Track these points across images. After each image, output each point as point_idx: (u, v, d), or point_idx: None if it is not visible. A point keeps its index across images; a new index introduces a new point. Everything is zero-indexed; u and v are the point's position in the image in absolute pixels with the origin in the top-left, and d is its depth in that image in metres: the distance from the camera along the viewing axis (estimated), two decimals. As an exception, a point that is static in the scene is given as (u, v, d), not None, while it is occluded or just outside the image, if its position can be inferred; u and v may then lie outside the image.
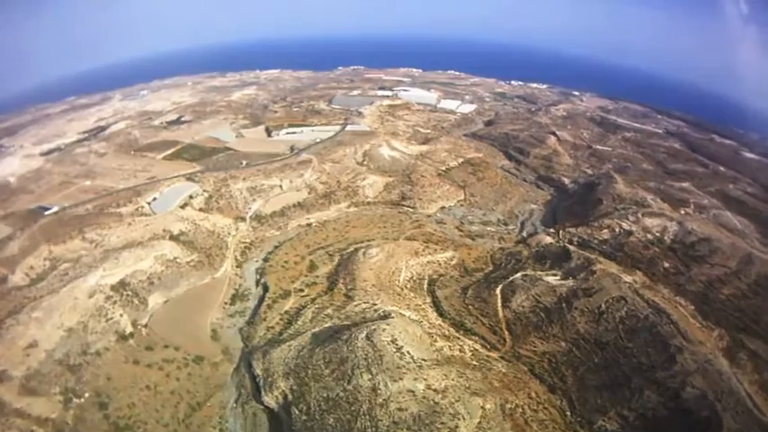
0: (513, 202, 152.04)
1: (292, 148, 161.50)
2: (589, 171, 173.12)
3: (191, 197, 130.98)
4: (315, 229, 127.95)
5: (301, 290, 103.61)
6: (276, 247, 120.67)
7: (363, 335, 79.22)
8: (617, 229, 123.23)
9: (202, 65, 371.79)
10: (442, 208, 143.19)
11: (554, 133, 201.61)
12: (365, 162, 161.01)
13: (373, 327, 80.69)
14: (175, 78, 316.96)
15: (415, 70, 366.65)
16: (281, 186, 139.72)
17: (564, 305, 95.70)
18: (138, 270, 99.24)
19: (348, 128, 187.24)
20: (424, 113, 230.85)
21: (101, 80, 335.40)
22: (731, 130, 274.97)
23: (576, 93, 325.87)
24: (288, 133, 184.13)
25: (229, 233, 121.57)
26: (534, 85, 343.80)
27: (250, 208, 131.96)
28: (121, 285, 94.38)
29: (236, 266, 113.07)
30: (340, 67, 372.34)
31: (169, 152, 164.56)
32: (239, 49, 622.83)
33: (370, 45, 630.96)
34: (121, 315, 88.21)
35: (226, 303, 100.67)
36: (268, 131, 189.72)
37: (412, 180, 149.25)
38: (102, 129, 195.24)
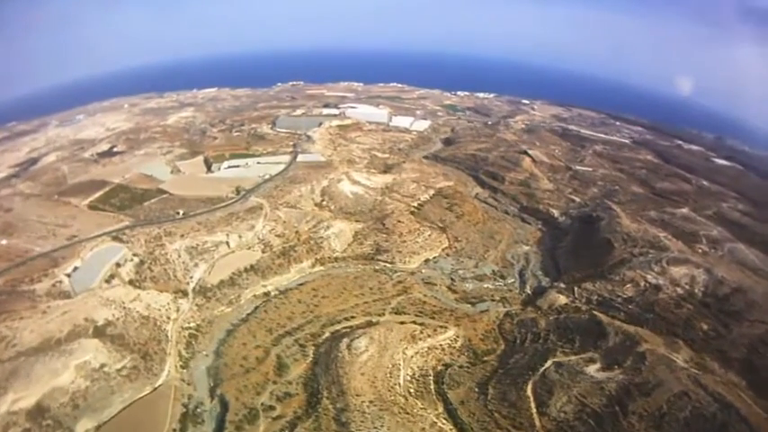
0: (504, 245, 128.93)
1: (238, 190, 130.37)
2: (576, 198, 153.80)
3: (118, 265, 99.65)
4: (275, 302, 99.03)
5: (272, 407, 74.81)
6: (229, 332, 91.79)
7: None
8: (642, 284, 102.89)
9: (141, 85, 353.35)
10: (426, 261, 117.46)
11: (526, 152, 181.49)
12: (325, 203, 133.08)
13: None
14: (113, 100, 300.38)
15: (356, 84, 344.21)
16: (228, 244, 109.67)
17: (617, 408, 73.01)
18: (58, 388, 71.14)
19: (299, 157, 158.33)
20: (378, 133, 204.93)
21: (43, 103, 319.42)
22: (685, 131, 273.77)
23: (526, 101, 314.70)
24: (231, 167, 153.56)
25: (168, 317, 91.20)
26: (481, 95, 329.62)
27: (192, 277, 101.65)
28: (39, 412, 68.13)
29: (182, 367, 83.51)
30: (279, 84, 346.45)
31: (96, 196, 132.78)
32: (178, 67, 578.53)
33: (305, 59, 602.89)
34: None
35: (174, 431, 71.17)
36: (208, 164, 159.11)
37: (386, 227, 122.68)
38: (34, 161, 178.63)
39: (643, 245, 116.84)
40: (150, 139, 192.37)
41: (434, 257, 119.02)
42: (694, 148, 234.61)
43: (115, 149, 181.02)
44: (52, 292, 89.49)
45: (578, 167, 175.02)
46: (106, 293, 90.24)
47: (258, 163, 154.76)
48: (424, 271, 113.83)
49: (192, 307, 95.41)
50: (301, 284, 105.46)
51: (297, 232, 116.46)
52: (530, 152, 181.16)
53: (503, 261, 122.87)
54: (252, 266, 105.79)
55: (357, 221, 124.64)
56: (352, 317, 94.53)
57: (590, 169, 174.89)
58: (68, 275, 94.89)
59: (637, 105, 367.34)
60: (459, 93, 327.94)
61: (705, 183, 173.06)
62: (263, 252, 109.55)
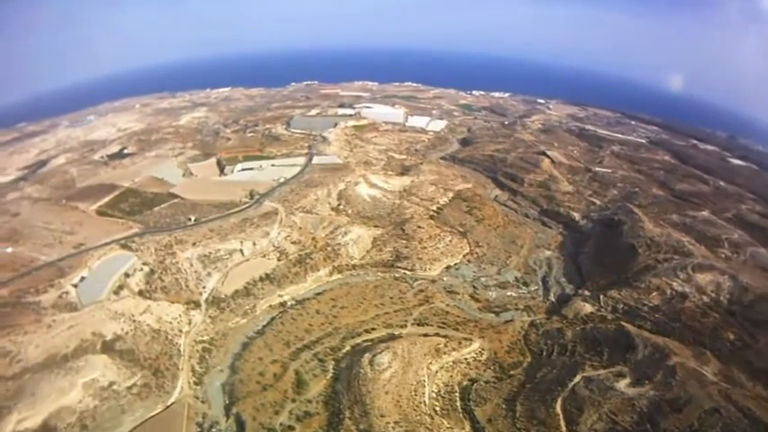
0: (526, 251, 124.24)
1: (251, 194, 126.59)
2: (596, 201, 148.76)
3: (126, 275, 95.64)
4: (292, 313, 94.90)
5: (291, 428, 70.99)
6: (245, 345, 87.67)
7: None
8: (668, 292, 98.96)
9: (153, 85, 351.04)
10: (448, 268, 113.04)
11: (545, 153, 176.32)
12: (342, 206, 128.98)
13: None
14: (125, 100, 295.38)
15: (371, 83, 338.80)
16: (242, 251, 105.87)
17: (648, 426, 69.23)
18: (65, 407, 67.90)
19: (314, 159, 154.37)
20: (394, 134, 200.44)
21: (54, 104, 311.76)
22: (698, 129, 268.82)
23: (541, 101, 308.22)
24: (244, 169, 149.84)
25: (180, 330, 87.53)
26: (497, 94, 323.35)
27: (204, 287, 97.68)
28: None
29: (195, 383, 79.52)
30: (293, 83, 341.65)
31: (104, 201, 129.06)
32: (191, 67, 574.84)
33: (318, 58, 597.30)
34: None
35: (189, 453, 67.72)
36: (220, 166, 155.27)
37: (406, 232, 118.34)
38: (43, 163, 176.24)
39: (667, 250, 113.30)
40: (162, 140, 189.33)
41: (456, 264, 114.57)
42: (710, 147, 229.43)
43: (126, 151, 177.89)
44: (58, 304, 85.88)
45: (598, 169, 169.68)
46: (114, 306, 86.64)
47: (272, 165, 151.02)
48: (445, 279, 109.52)
49: (206, 319, 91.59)
50: (319, 294, 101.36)
51: (313, 239, 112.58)
52: (548, 153, 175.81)
53: (525, 267, 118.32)
54: (267, 275, 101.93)
55: (375, 226, 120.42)
56: (373, 329, 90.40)
57: (609, 171, 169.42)
58: (75, 286, 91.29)
59: (644, 102, 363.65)
60: (474, 92, 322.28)
61: (722, 183, 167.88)
62: (279, 260, 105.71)
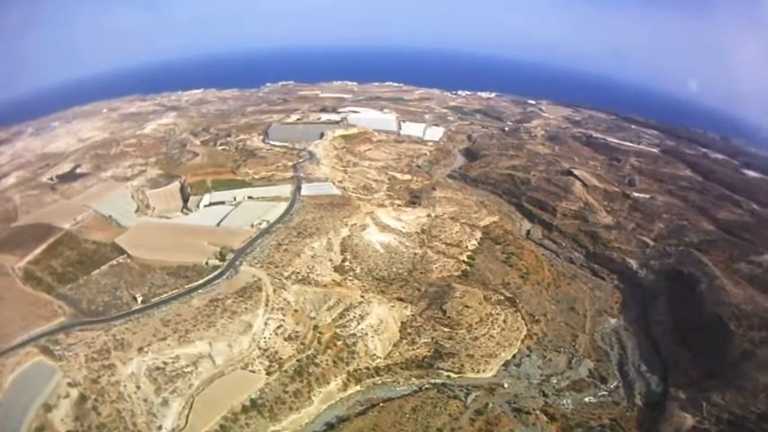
0: (589, 321, 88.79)
1: (222, 254, 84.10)
2: (647, 239, 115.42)
3: (48, 407, 57.15)
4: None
5: None
6: None
7: None
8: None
9: (127, 86, 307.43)
10: (506, 364, 75.40)
11: (572, 173, 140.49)
12: (348, 264, 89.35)
13: None
14: (95, 104, 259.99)
15: (351, 84, 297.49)
16: (212, 359, 65.39)
17: None
18: None
19: (304, 188, 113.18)
20: (390, 145, 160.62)
21: (27, 106, 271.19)
22: (691, 131, 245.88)
23: (532, 101, 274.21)
24: (213, 203, 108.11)
25: None
26: (484, 95, 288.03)
27: (160, 427, 57.08)
28: None
29: None
30: (268, 84, 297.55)
31: (36, 253, 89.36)
32: (166, 68, 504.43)
33: (292, 58, 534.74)
34: None
35: None
36: (184, 195, 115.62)
37: (447, 314, 79.21)
38: None
39: (761, 325, 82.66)
40: (122, 154, 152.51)
41: (515, 356, 76.70)
42: (720, 156, 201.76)
43: (78, 170, 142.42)
44: None
45: (635, 194, 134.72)
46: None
47: (249, 198, 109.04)
48: (506, 385, 72.05)
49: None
50: (332, 428, 61.79)
51: (316, 328, 72.87)
52: (577, 173, 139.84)
53: (595, 349, 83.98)
54: (253, 401, 61.81)
55: (400, 300, 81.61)
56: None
57: (647, 197, 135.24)
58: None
59: (622, 99, 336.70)
60: (460, 92, 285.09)
61: (755, 206, 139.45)
62: (269, 371, 65.76)
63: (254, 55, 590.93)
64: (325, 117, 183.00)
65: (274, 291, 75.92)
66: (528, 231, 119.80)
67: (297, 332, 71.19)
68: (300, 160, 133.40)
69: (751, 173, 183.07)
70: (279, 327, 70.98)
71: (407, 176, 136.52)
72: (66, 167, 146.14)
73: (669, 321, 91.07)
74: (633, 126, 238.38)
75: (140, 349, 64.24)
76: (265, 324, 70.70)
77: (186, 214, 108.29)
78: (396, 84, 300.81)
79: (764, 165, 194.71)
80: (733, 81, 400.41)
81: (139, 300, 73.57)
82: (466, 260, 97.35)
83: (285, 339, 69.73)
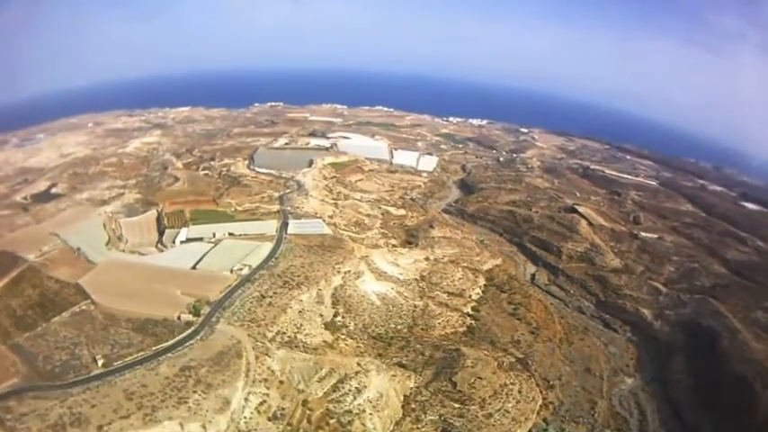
0: (606, 384, 79.10)
1: (196, 309, 72.67)
2: (659, 285, 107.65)
3: None
4: None
5: None
6: None
7: None
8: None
9: (119, 100, 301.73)
10: (526, 441, 65.09)
11: (576, 211, 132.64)
12: (341, 320, 78.75)
13: None
14: (82, 117, 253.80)
15: (340, 107, 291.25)
16: (182, 452, 53.40)
17: None
18: None
19: (291, 226, 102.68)
20: (382, 176, 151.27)
21: (22, 114, 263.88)
22: (687, 161, 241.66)
23: (524, 129, 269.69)
24: (190, 239, 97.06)
25: None
26: (475, 122, 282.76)
27: None
28: None
29: None
30: (256, 104, 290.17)
31: None
32: (161, 82, 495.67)
33: (279, 79, 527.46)
34: None
35: None
36: (160, 227, 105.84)
37: (458, 387, 68.45)
38: None
39: None
40: (100, 174, 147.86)
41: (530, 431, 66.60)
42: (717, 188, 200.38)
43: (54, 190, 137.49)
44: None
45: (643, 234, 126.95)
46: None
47: (230, 234, 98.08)
48: (525, 471, 61.23)
49: None
50: None
51: (305, 404, 61.73)
52: (581, 210, 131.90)
53: (613, 416, 73.96)
54: None
55: (401, 366, 70.84)
56: None
57: (655, 236, 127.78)
58: None
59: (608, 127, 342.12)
60: (451, 119, 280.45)
61: (760, 243, 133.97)
62: (249, 471, 53.93)
63: (243, 74, 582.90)
64: (314, 142, 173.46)
65: (256, 357, 64.79)
66: (533, 276, 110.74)
67: (283, 409, 60.01)
68: (287, 191, 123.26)
69: (750, 205, 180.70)
70: (262, 403, 59.75)
71: (402, 211, 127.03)
72: (42, 186, 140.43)
73: (688, 380, 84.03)
74: (628, 156, 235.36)
75: (99, 428, 52.64)
76: (246, 400, 59.39)
77: (161, 251, 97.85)
78: (386, 108, 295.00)
79: (761, 196, 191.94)
80: (724, 110, 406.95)
81: (100, 363, 62.15)
82: (470, 313, 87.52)
83: (269, 419, 58.55)
